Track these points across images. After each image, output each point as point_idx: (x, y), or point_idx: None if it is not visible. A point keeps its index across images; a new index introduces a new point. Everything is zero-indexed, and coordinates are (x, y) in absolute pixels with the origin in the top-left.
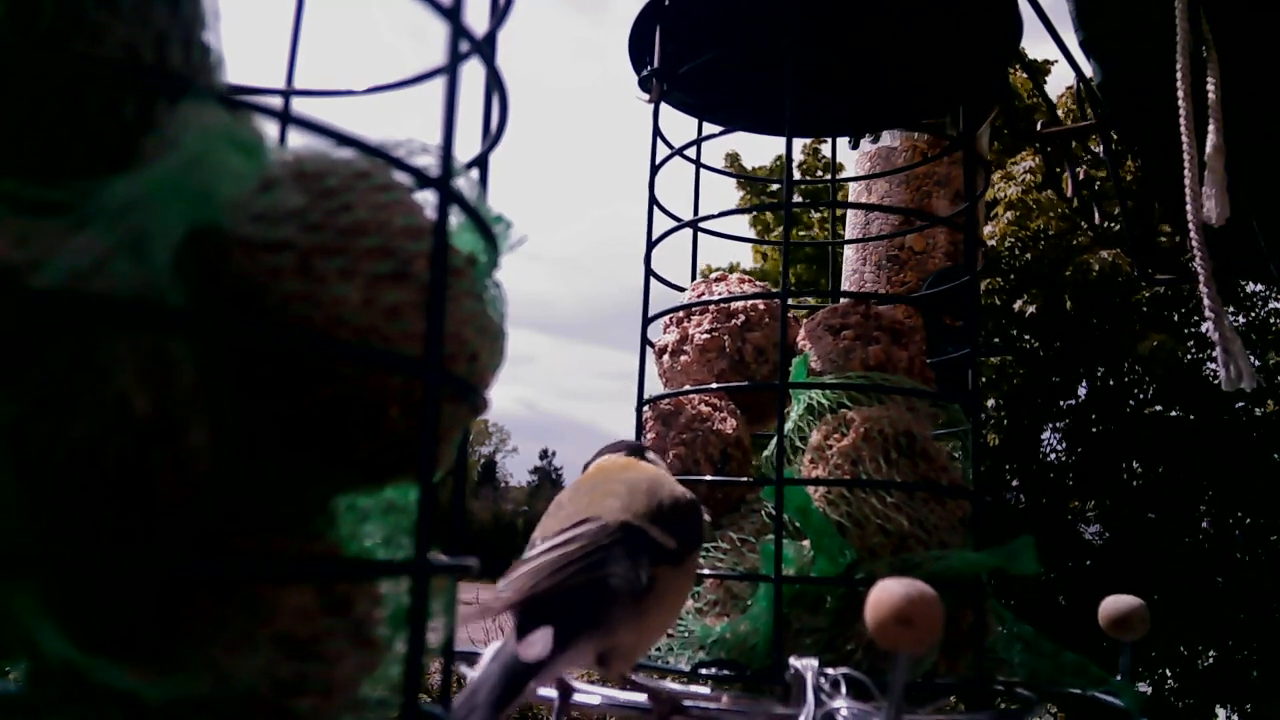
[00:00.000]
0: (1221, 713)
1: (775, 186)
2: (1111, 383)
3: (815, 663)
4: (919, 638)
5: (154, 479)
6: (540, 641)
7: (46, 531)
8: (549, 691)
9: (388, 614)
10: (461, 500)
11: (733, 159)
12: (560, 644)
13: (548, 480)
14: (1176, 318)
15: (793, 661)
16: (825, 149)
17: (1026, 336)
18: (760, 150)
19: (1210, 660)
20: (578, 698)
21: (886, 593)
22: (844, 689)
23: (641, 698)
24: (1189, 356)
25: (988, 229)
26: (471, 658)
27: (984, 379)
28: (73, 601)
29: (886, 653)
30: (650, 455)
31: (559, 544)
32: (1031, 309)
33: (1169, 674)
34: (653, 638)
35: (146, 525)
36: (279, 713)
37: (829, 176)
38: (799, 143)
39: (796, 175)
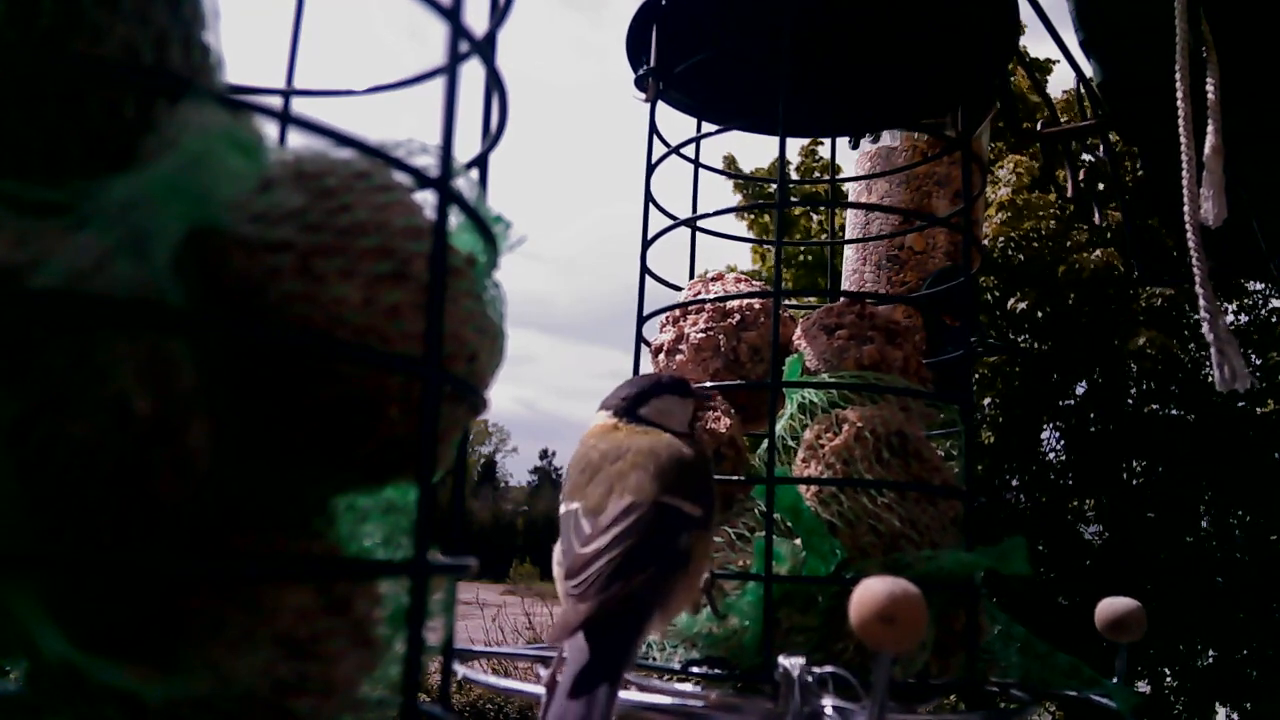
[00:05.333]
0: (1221, 712)
1: (772, 188)
2: (1108, 381)
3: (803, 661)
4: (902, 635)
5: (154, 479)
6: (617, 643)
7: (46, 531)
8: (538, 689)
9: (387, 614)
10: (461, 500)
11: (729, 161)
12: (638, 638)
13: (547, 480)
14: (1174, 315)
15: (781, 660)
16: (822, 150)
17: (1024, 334)
18: (757, 152)
19: (1210, 660)
20: None
21: (870, 591)
22: (830, 688)
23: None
24: (1187, 356)
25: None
26: (469, 656)
27: (978, 374)
28: (73, 601)
29: (875, 652)
30: (647, 413)
31: (612, 541)
32: (1023, 305)
33: (1168, 673)
34: (692, 596)
35: (146, 525)
36: (279, 712)
37: (828, 176)
38: (795, 145)
39: (794, 177)
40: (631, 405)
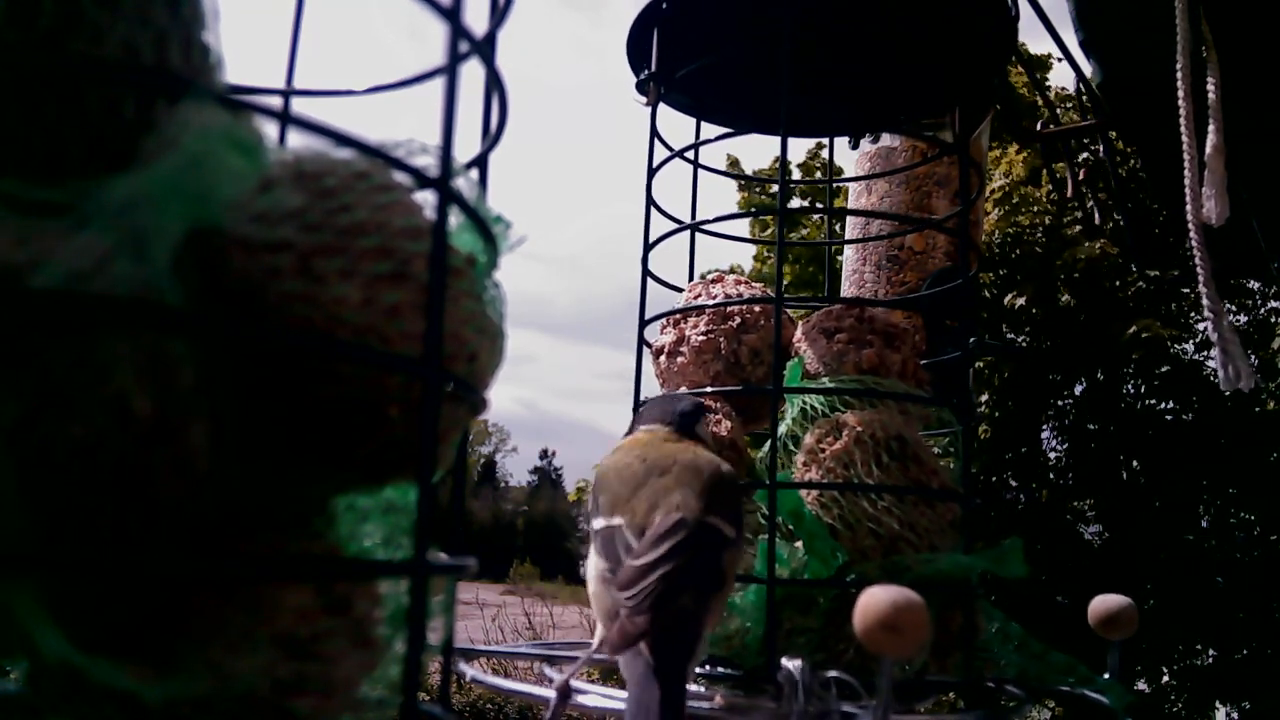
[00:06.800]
0: (1221, 711)
1: (774, 188)
2: (1107, 379)
3: (806, 663)
4: (905, 643)
5: (154, 479)
6: (679, 656)
7: (47, 532)
8: (548, 692)
9: (387, 614)
10: (461, 500)
11: (733, 163)
12: (693, 653)
13: (547, 480)
14: (1171, 306)
15: (784, 662)
16: (824, 153)
17: (1025, 332)
18: (760, 153)
19: (1210, 659)
20: (577, 699)
21: (874, 600)
22: (833, 690)
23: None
24: (1185, 352)
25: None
26: (472, 655)
27: (975, 366)
28: (73, 601)
29: (878, 657)
30: (700, 431)
31: (663, 555)
32: (1021, 301)
33: (1166, 672)
34: (721, 615)
35: (146, 525)
36: (279, 713)
37: (828, 178)
38: (801, 146)
39: (797, 177)
40: (689, 421)
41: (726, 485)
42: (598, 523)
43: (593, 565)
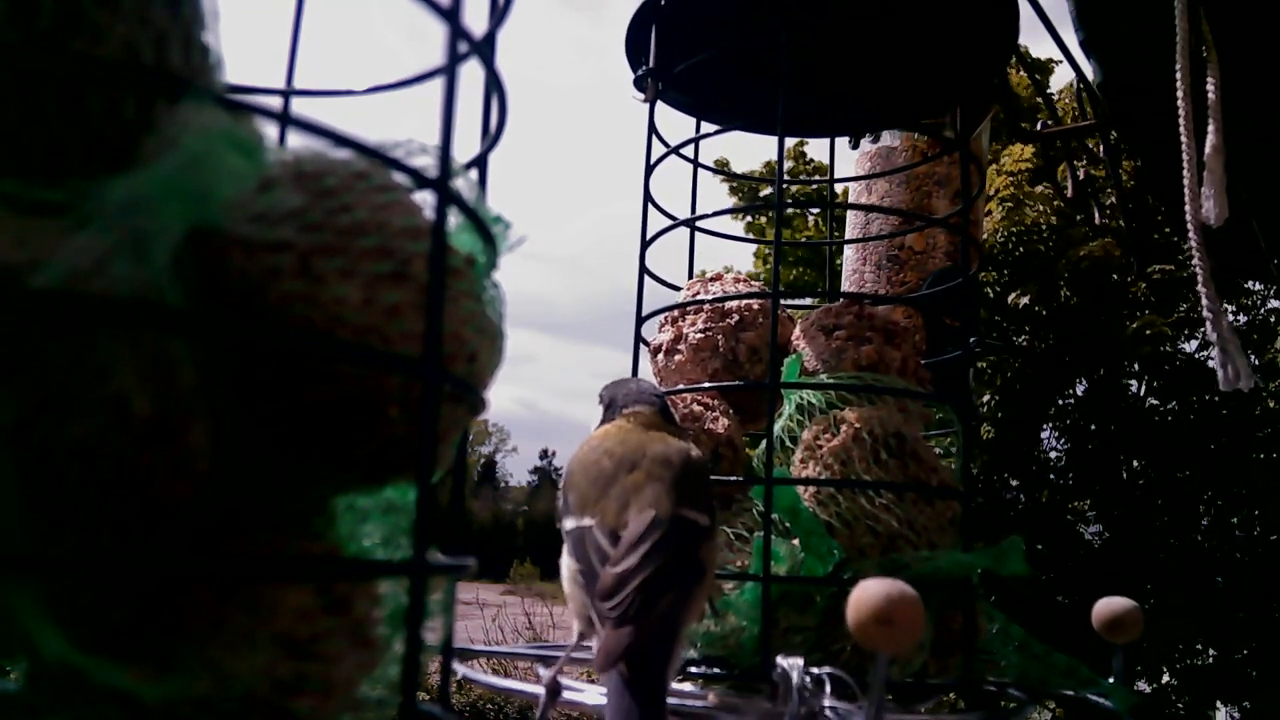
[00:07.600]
0: (1221, 710)
1: (768, 191)
2: (1109, 378)
3: (800, 662)
4: (899, 637)
5: (153, 479)
6: (658, 664)
7: (46, 531)
8: (537, 689)
9: (386, 614)
10: (461, 500)
11: (723, 164)
12: (673, 658)
13: (547, 480)
14: (1175, 311)
15: (779, 660)
16: (811, 151)
17: (1025, 330)
18: (749, 154)
19: (1210, 659)
20: (568, 695)
21: (866, 592)
22: (828, 688)
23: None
24: (1183, 352)
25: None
26: (469, 655)
27: (979, 366)
28: (73, 601)
29: (873, 652)
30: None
31: (641, 560)
32: (1024, 300)
33: (1167, 672)
34: (703, 606)
35: (146, 525)
36: (278, 712)
37: (827, 176)
38: (787, 145)
39: (787, 178)
40: (665, 404)
41: (697, 472)
42: (568, 523)
43: (566, 565)
